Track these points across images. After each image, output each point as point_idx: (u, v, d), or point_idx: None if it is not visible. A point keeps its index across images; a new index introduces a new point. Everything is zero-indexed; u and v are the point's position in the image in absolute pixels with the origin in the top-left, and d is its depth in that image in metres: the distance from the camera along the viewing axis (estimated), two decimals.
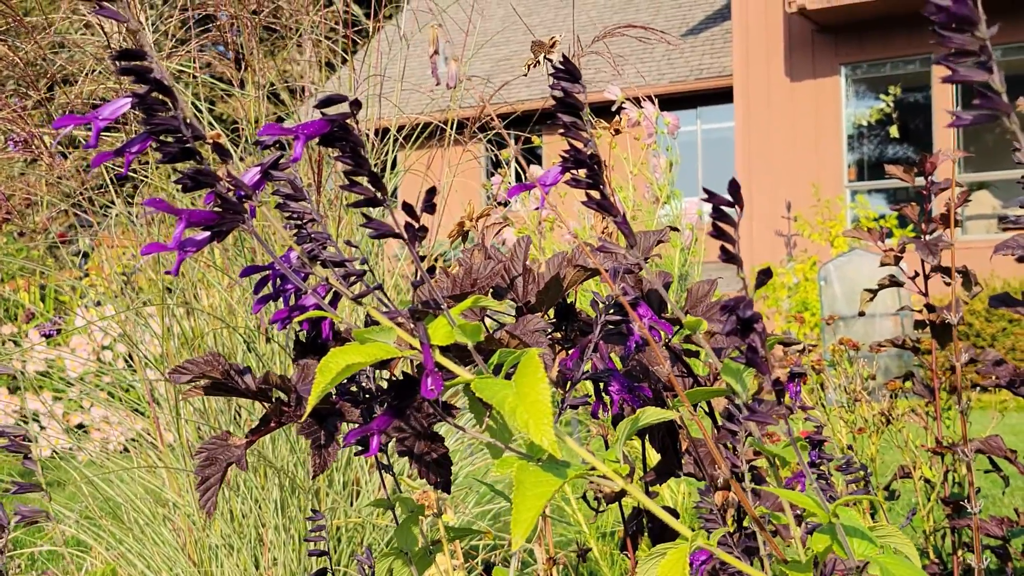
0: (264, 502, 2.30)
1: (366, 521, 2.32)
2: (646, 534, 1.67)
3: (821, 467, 1.45)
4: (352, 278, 0.83)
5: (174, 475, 2.39)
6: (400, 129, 2.80)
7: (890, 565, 0.76)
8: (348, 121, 0.78)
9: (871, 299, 2.36)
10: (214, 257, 2.55)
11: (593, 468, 0.83)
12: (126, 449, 2.81)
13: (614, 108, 2.70)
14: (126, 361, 3.93)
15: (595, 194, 0.85)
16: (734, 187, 0.66)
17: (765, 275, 0.66)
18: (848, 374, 2.37)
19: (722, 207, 0.68)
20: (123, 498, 2.42)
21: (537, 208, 2.69)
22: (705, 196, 0.68)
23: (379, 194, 0.79)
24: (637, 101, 2.64)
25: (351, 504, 2.39)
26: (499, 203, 1.91)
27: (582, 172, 0.86)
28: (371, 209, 1.43)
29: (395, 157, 2.78)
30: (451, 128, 2.74)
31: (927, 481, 2.30)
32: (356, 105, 0.76)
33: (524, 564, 2.56)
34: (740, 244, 0.69)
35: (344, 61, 2.83)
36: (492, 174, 2.83)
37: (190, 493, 2.34)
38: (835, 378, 2.45)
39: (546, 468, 0.79)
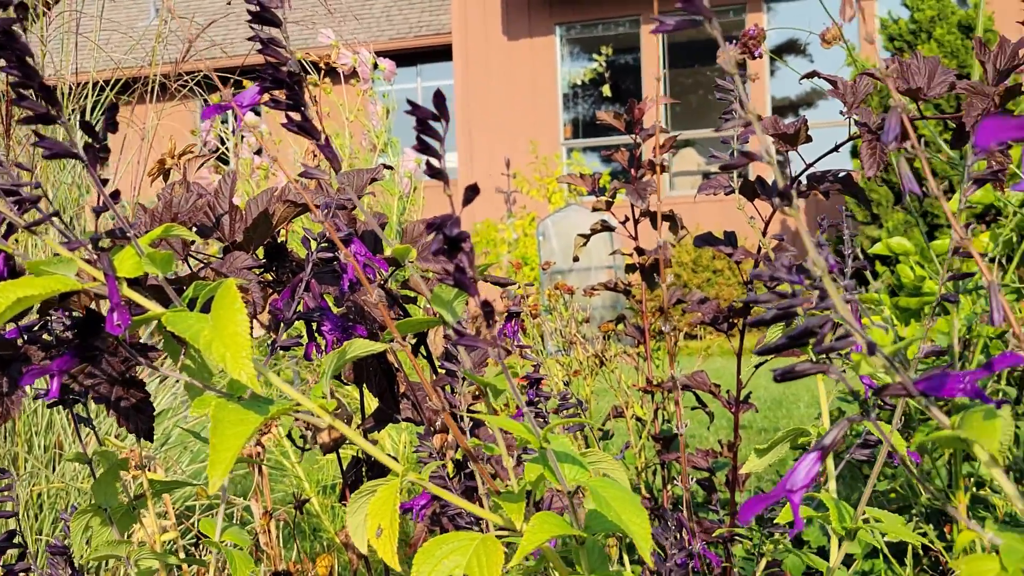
0: None
1: (70, 486, 2.19)
2: (366, 483, 1.64)
3: (539, 405, 1.46)
4: (27, 204, 0.75)
5: None
6: (110, 82, 2.63)
7: (600, 488, 0.76)
8: (14, 27, 0.70)
9: (584, 244, 2.40)
10: None
11: (299, 405, 0.78)
12: None
13: (333, 56, 2.64)
14: None
15: (296, 115, 0.80)
16: (439, 98, 0.63)
17: (472, 191, 0.63)
18: (564, 318, 2.41)
19: (427, 120, 0.65)
20: None
21: (256, 153, 2.60)
22: (409, 108, 0.64)
23: (52, 109, 0.72)
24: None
25: (53, 470, 2.25)
26: (206, 146, 1.83)
27: (282, 93, 0.81)
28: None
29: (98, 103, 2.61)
30: (171, 79, 2.60)
31: (639, 420, 2.37)
32: (22, 8, 0.68)
33: (243, 522, 2.48)
34: (459, 200, 0.66)
35: None
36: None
37: None
38: (551, 323, 2.48)
39: (247, 406, 0.74)
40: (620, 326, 2.61)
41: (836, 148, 1.79)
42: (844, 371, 0.83)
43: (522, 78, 14.18)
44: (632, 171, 2.42)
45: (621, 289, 2.40)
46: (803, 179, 1.75)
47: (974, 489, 2.45)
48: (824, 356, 0.58)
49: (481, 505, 1.23)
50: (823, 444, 0.60)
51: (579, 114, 14.79)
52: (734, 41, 2.20)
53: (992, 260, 2.54)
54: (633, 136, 2.37)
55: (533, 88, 14.15)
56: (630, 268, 2.46)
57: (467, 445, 0.84)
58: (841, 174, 1.71)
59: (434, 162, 0.65)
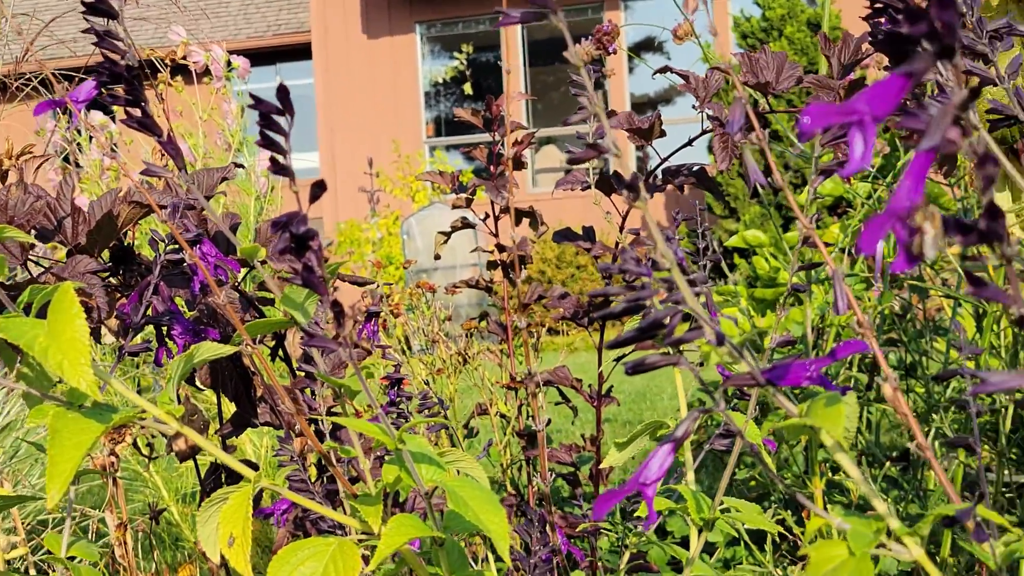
0: None
1: None
2: (220, 491, 1.60)
3: (401, 406, 1.45)
4: None
5: None
6: None
7: (458, 488, 0.75)
8: None
9: (445, 241, 2.39)
10: None
11: (145, 412, 0.75)
12: None
13: (180, 53, 2.57)
14: None
15: (136, 112, 0.77)
16: (283, 92, 0.61)
17: (319, 188, 0.62)
18: (426, 316, 2.40)
19: (271, 115, 0.63)
20: None
21: (107, 155, 2.52)
22: (252, 103, 0.62)
23: None
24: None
25: None
26: (51, 146, 1.76)
27: (120, 88, 0.78)
28: None
29: None
30: (11, 78, 2.50)
31: (503, 416, 2.37)
32: None
33: (100, 534, 2.40)
34: (324, 202, 0.64)
35: None
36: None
37: None
38: (415, 321, 2.47)
39: (88, 414, 0.71)
40: (483, 323, 2.61)
41: (690, 142, 1.82)
42: (702, 363, 0.84)
43: (383, 77, 14.10)
44: (492, 168, 2.42)
45: (483, 286, 2.40)
46: (659, 173, 1.77)
47: (829, 474, 2.51)
48: (676, 348, 0.58)
49: (343, 509, 1.21)
50: (675, 436, 0.60)
51: (441, 112, 14.78)
52: (591, 38, 2.22)
53: (843, 250, 2.61)
54: (492, 133, 2.37)
55: (395, 87, 14.08)
56: (491, 265, 2.46)
57: (322, 449, 0.82)
58: (695, 168, 1.74)
59: (279, 158, 0.63)
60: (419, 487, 0.76)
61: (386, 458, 1.10)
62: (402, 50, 14.13)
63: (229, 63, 2.53)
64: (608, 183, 1.71)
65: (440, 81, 14.61)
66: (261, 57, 15.67)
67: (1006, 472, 2.27)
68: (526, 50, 14.07)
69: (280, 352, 1.52)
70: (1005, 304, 0.43)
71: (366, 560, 0.87)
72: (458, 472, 0.86)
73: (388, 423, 0.73)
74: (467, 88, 14.29)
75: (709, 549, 2.38)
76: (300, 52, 15.72)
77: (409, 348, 2.69)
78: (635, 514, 1.37)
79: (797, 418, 0.57)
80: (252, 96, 0.63)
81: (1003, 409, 2.08)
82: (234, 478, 1.55)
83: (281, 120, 0.63)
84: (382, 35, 14.16)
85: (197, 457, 1.65)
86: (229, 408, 2.75)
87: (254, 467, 1.07)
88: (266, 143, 0.63)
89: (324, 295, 0.65)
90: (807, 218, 0.64)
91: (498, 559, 1.61)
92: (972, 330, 2.82)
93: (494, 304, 2.51)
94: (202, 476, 1.60)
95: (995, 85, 0.89)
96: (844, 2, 11.34)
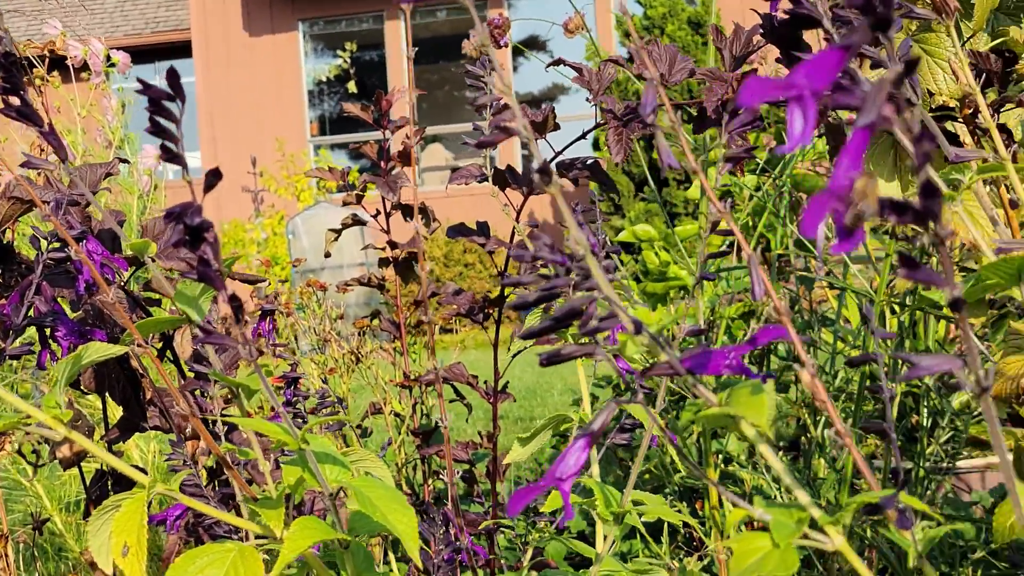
0: None
1: None
2: (112, 498, 1.55)
3: (297, 405, 1.41)
4: None
5: None
6: None
7: (364, 488, 0.72)
8: None
9: (336, 239, 2.35)
10: None
11: (29, 417, 0.71)
12: None
13: (59, 44, 2.49)
14: None
15: (15, 100, 0.73)
16: (173, 77, 0.58)
17: (215, 176, 0.59)
18: (318, 315, 2.36)
19: (161, 100, 0.59)
20: None
21: None
22: (141, 88, 0.59)
23: None
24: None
25: None
26: None
27: None
28: None
29: None
30: None
31: (397, 415, 2.35)
32: None
33: None
34: (207, 202, 0.61)
35: None
36: None
37: None
38: (305, 320, 2.42)
39: None
40: (375, 321, 2.57)
41: (584, 135, 1.81)
42: (615, 355, 0.82)
43: (266, 75, 13.90)
44: (382, 164, 2.39)
45: (375, 284, 2.37)
46: (552, 166, 1.76)
47: (723, 466, 2.54)
48: (592, 337, 0.57)
49: (239, 513, 1.17)
50: (591, 429, 0.58)
51: (325, 111, 14.64)
52: (471, 36, 2.20)
53: (730, 245, 2.64)
54: (383, 129, 2.34)
55: (278, 85, 13.89)
56: (383, 262, 2.43)
57: (220, 451, 0.78)
58: (590, 161, 1.73)
59: (171, 145, 0.60)
60: (324, 488, 0.73)
61: (281, 459, 1.07)
62: (285, 48, 13.95)
63: (109, 58, 2.46)
64: (503, 177, 1.70)
65: (324, 80, 14.46)
66: (139, 55, 15.31)
67: (892, 459, 2.31)
68: (411, 48, 13.99)
69: (168, 353, 1.47)
70: (938, 286, 0.43)
71: (267, 565, 0.84)
72: (362, 473, 0.83)
73: (290, 423, 0.70)
74: (351, 87, 14.17)
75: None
76: (180, 50, 15.41)
77: (298, 347, 2.64)
78: (537, 510, 1.35)
79: (717, 408, 0.56)
80: (140, 81, 0.60)
81: (892, 396, 2.12)
82: (123, 484, 1.50)
83: (172, 106, 0.60)
84: (264, 33, 13.96)
85: (82, 464, 1.59)
86: (115, 413, 2.67)
87: (142, 473, 1.02)
88: (156, 131, 0.60)
89: (222, 289, 0.62)
90: (719, 201, 0.63)
91: (398, 559, 1.59)
92: (856, 321, 2.88)
93: (385, 302, 2.48)
94: (87, 484, 1.54)
95: (885, 67, 0.90)
96: (722, 1, 11.54)
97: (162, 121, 0.59)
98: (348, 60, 14.13)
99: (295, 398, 1.40)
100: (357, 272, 9.69)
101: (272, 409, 1.45)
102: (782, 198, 2.44)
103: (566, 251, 0.58)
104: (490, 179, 1.55)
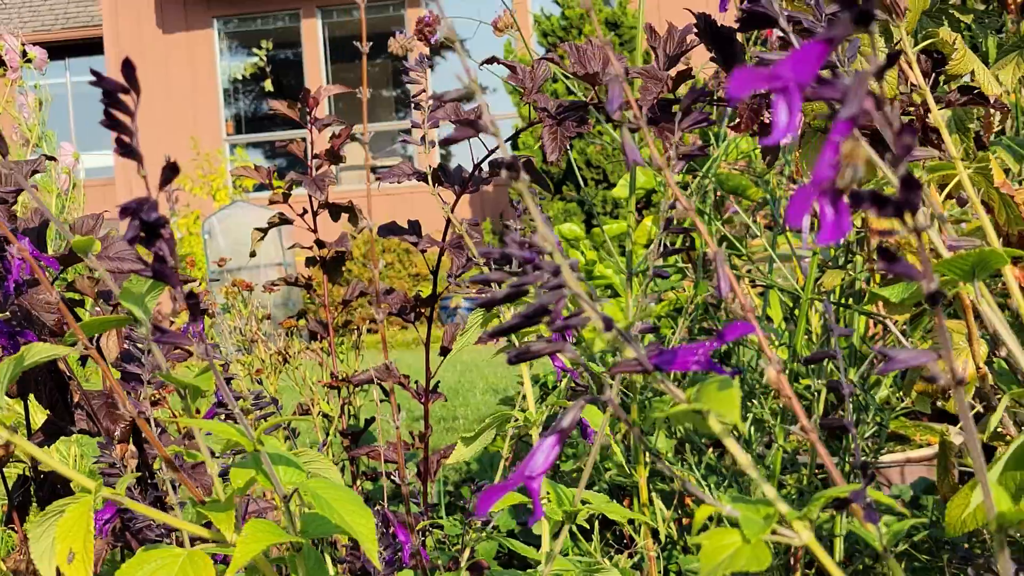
0: None
1: None
2: (35, 504, 1.51)
3: (228, 407, 1.38)
4: None
5: None
6: None
7: (320, 489, 0.71)
8: None
9: (262, 238, 2.33)
10: None
11: None
12: None
13: None
14: None
15: None
16: (128, 68, 0.56)
17: (171, 171, 0.57)
18: (244, 316, 2.33)
19: (116, 93, 0.58)
20: None
21: None
22: (94, 79, 0.57)
23: None
24: None
25: None
26: None
27: None
28: None
29: None
30: None
31: (326, 416, 2.32)
32: None
33: None
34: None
35: None
36: None
37: None
38: (231, 321, 2.39)
39: None
40: (302, 321, 2.55)
41: (517, 134, 1.81)
42: (551, 355, 0.82)
43: (180, 73, 13.69)
44: (309, 162, 2.37)
45: (303, 284, 2.34)
46: (484, 166, 1.76)
47: (653, 463, 2.55)
48: (562, 334, 0.56)
49: (172, 510, 1.14)
50: (561, 427, 0.58)
51: (241, 110, 14.47)
52: (396, 34, 2.19)
53: (653, 244, 2.65)
54: (308, 127, 2.32)
55: (193, 83, 13.70)
56: (311, 261, 2.41)
57: (167, 453, 0.77)
58: (523, 160, 1.73)
59: (126, 139, 0.58)
60: (278, 490, 0.72)
61: (227, 462, 1.05)
62: (199, 46, 13.76)
63: (25, 54, 2.40)
64: (437, 176, 1.69)
65: (239, 78, 14.29)
66: (50, 52, 14.98)
67: (852, 456, 2.35)
68: (327, 46, 13.90)
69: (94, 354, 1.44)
70: (916, 280, 0.43)
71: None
72: (312, 474, 0.82)
73: (247, 423, 0.69)
74: (268, 85, 14.03)
75: (536, 541, 2.38)
76: (91, 47, 15.12)
77: (221, 348, 2.61)
78: (469, 509, 1.34)
79: (685, 404, 0.56)
80: (94, 72, 0.58)
81: (816, 393, 2.15)
82: (45, 490, 1.46)
83: (127, 99, 0.58)
84: (178, 30, 13.76)
85: (3, 469, 1.55)
86: (36, 417, 2.60)
87: (89, 479, 1.00)
88: (111, 124, 0.58)
89: (178, 287, 0.60)
90: (684, 196, 0.63)
91: (336, 561, 1.57)
92: (779, 318, 2.92)
93: (311, 301, 2.45)
94: (9, 489, 1.50)
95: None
96: (639, 3, 11.65)
97: (118, 115, 0.57)
98: (264, 58, 13.98)
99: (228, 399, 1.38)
100: (274, 272, 9.59)
101: (209, 409, 1.42)
102: (707, 197, 2.46)
103: (503, 249, 0.57)
104: (429, 178, 1.54)
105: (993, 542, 0.50)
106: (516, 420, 1.04)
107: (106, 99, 0.57)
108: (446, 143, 0.58)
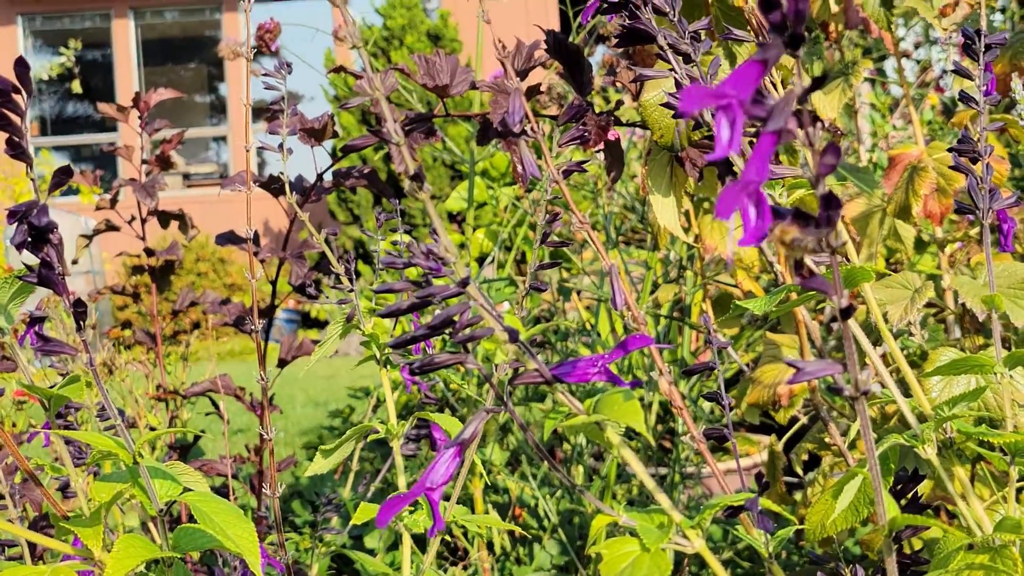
0: None
1: None
2: None
3: (68, 418, 1.35)
4: None
5: None
6: None
7: (201, 503, 0.69)
8: None
9: (87, 244, 2.25)
10: None
11: None
12: None
13: None
14: None
15: None
16: (22, 66, 0.54)
17: (65, 174, 0.55)
18: (68, 326, 2.24)
19: (8, 92, 0.55)
20: None
21: None
22: None
23: None
24: None
25: None
26: None
27: None
28: None
29: None
30: None
31: (152, 429, 2.26)
32: None
33: None
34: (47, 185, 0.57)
35: None
36: None
37: None
38: (51, 331, 2.29)
39: None
40: (128, 331, 2.46)
41: (358, 147, 1.80)
42: (488, 359, 0.82)
43: None
44: (138, 168, 2.30)
45: (130, 293, 2.27)
46: (328, 175, 1.74)
47: (487, 476, 2.57)
48: (464, 346, 0.57)
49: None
50: (463, 438, 0.58)
51: (46, 112, 13.94)
52: (224, 40, 2.15)
53: (491, 259, 2.68)
54: (140, 132, 2.26)
55: None
56: (138, 270, 2.34)
57: (28, 467, 0.74)
58: (367, 170, 1.72)
59: (17, 140, 0.56)
60: (154, 504, 0.70)
61: (88, 477, 1.01)
62: (3, 43, 13.21)
63: None
64: (280, 185, 1.67)
65: (45, 78, 13.75)
66: None
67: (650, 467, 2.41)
68: (139, 49, 13.53)
69: None
70: (828, 295, 0.45)
71: None
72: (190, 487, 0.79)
73: (127, 434, 0.67)
74: (75, 86, 13.54)
75: (370, 553, 2.37)
76: None
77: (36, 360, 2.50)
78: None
79: (584, 416, 0.57)
80: None
81: (650, 404, 2.21)
82: None
83: (18, 99, 0.56)
84: None
85: None
86: None
87: None
88: (2, 125, 0.56)
89: (64, 294, 0.58)
90: (579, 212, 0.64)
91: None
92: (606, 331, 2.98)
93: (139, 311, 2.38)
94: None
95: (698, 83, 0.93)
96: (459, 16, 11.73)
97: (9, 114, 0.55)
98: (72, 59, 13.49)
99: (67, 411, 1.34)
100: (82, 280, 9.24)
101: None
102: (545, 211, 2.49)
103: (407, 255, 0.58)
104: (286, 187, 1.51)
105: (881, 546, 0.52)
106: (377, 432, 1.04)
107: None
108: (349, 150, 0.58)
